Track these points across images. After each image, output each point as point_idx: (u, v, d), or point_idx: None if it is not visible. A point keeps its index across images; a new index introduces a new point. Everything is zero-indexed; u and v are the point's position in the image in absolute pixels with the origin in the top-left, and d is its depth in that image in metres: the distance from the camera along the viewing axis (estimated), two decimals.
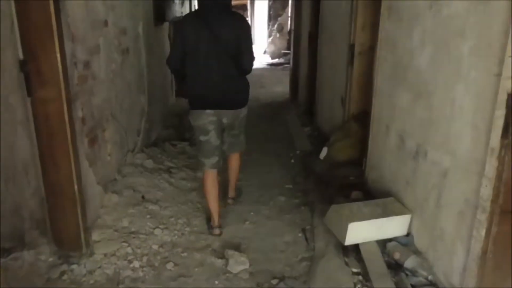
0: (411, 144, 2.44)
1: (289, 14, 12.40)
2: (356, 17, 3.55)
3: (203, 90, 2.60)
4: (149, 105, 4.19)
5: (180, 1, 5.54)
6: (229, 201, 3.21)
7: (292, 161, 4.10)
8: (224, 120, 2.71)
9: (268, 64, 11.55)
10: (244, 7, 19.99)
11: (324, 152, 3.94)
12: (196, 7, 3.29)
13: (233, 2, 3.06)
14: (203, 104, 2.61)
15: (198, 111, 2.64)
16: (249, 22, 9.76)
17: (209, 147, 2.69)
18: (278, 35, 12.22)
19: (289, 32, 12.48)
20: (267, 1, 12.76)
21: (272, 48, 12.24)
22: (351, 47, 3.65)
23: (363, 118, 3.79)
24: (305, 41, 5.92)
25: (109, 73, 3.08)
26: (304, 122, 5.45)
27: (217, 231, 2.76)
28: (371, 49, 3.63)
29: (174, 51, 2.68)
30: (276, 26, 12.28)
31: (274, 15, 12.58)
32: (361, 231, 2.39)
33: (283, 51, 12.18)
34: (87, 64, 2.65)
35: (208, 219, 2.87)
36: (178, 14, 5.52)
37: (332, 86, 4.33)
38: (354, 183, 3.29)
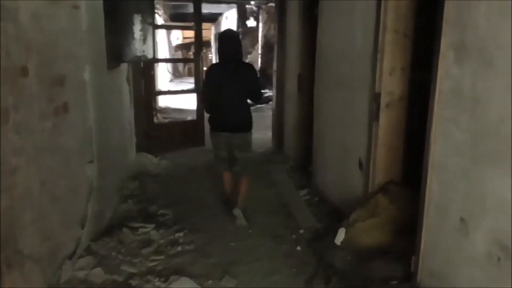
0: None
1: (259, 52, 11.70)
2: (383, 58, 2.66)
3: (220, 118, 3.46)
4: (100, 177, 3.06)
5: (142, 37, 4.53)
6: (235, 212, 3.51)
7: (298, 248, 3.05)
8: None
9: None
10: (207, 43, 19.36)
11: (341, 234, 2.92)
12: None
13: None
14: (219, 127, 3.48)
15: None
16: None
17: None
18: None
19: (261, 71, 11.74)
20: None
21: None
22: (376, 97, 2.73)
23: (395, 190, 2.84)
24: (292, 84, 5.02)
25: (28, 150, 1.97)
26: (297, 182, 4.45)
27: (237, 212, 3.48)
28: (402, 100, 2.73)
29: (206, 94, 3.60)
30: None
31: (243, 53, 11.81)
32: None
33: None
34: None
35: (225, 203, 3.75)
36: (139, 54, 4.49)
37: (343, 144, 3.38)
38: None
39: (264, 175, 4.82)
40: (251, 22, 11.65)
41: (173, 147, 5.62)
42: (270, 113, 9.61)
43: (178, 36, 20.57)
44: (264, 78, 11.69)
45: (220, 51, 3.43)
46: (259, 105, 10.56)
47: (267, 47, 11.45)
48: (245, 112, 3.47)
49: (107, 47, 3.64)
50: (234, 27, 11.94)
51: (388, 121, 2.75)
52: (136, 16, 4.35)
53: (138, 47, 4.49)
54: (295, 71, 4.83)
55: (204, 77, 4.01)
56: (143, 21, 4.51)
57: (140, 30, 4.48)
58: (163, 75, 11.04)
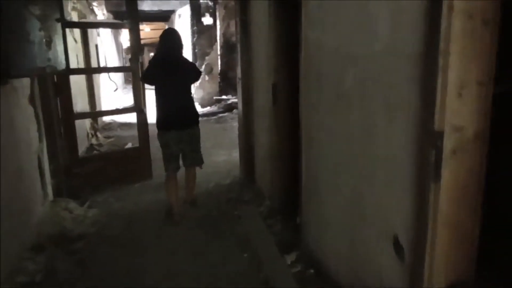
0: None
1: (219, 52, 10.35)
2: (447, 66, 1.41)
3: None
4: None
5: (45, 40, 3.10)
6: (189, 205, 3.76)
7: None
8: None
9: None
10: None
11: None
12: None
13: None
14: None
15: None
16: None
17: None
18: (207, 77, 10.05)
19: (221, 74, 10.40)
20: (190, 39, 10.60)
21: (202, 93, 10.00)
22: (433, 138, 1.49)
23: None
24: (263, 96, 3.73)
25: None
26: (280, 238, 3.16)
27: (177, 217, 3.53)
28: (480, 139, 1.51)
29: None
30: (204, 67, 10.10)
31: (200, 54, 10.42)
32: None
33: (215, 97, 9.99)
34: None
35: (168, 213, 3.60)
36: (41, 63, 3.05)
37: (356, 199, 2.11)
38: None
39: (232, 223, 3.51)
40: (207, 20, 10.27)
41: (108, 185, 4.21)
42: (234, 124, 8.29)
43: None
44: (224, 83, 10.37)
45: (161, 50, 3.48)
46: (221, 114, 9.24)
47: (227, 46, 10.13)
48: (190, 108, 3.58)
49: None
50: (187, 25, 10.53)
51: (455, 180, 1.51)
52: (30, 8, 2.91)
53: (39, 54, 3.06)
54: (267, 78, 3.54)
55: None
56: (43, 17, 3.08)
57: (40, 29, 3.04)
58: (106, 84, 9.45)
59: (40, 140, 3.59)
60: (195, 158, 3.64)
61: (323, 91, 2.42)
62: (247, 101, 4.20)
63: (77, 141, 4.03)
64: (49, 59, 3.17)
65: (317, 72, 2.48)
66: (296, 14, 2.78)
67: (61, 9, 3.45)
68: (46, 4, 3.12)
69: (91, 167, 4.10)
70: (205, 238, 3.26)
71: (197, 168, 3.72)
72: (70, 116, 3.90)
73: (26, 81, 3.38)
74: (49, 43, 3.16)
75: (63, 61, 3.38)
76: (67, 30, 5.24)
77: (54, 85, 3.75)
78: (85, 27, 5.57)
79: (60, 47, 3.34)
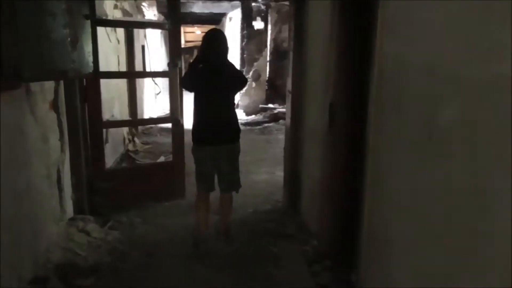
0: None
1: (268, 59, 9.84)
2: None
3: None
4: None
5: (70, 39, 2.67)
6: (222, 237, 3.22)
7: None
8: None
9: (242, 124, 8.74)
10: None
11: None
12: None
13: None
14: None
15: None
16: None
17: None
18: (254, 84, 9.56)
19: (268, 81, 9.88)
20: (239, 43, 10.18)
21: (247, 101, 9.51)
22: None
23: None
24: (317, 115, 3.15)
25: None
26: None
27: (204, 249, 3.07)
28: None
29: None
30: (251, 73, 9.63)
31: (249, 59, 9.96)
32: None
33: (261, 106, 9.47)
34: None
35: (195, 244, 3.13)
36: (64, 66, 2.64)
37: None
38: None
39: (268, 263, 2.93)
40: (258, 24, 9.79)
41: (135, 203, 3.77)
42: (280, 136, 7.70)
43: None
44: (271, 91, 9.83)
45: (204, 53, 3.02)
46: (266, 124, 8.70)
47: (276, 53, 9.61)
48: (232, 121, 3.12)
49: None
50: (237, 29, 10.11)
51: None
52: (52, 1, 2.49)
53: (62, 55, 2.64)
54: (323, 95, 2.95)
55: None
56: (69, 12, 2.66)
57: (65, 26, 2.63)
58: (152, 87, 9.23)
59: (62, 151, 3.21)
60: (232, 181, 3.17)
61: (404, 123, 1.79)
62: (297, 119, 3.62)
63: (104, 152, 3.62)
64: (73, 61, 2.74)
65: (396, 97, 1.86)
66: (368, 20, 2.19)
67: (91, 4, 3.05)
68: None
69: (118, 181, 3.67)
70: (234, 282, 2.71)
71: (233, 192, 3.22)
72: (97, 124, 3.50)
73: (49, 84, 3.01)
74: (74, 42, 2.74)
75: (90, 64, 2.96)
76: (109, 29, 4.94)
77: (82, 89, 3.35)
78: (119, 26, 5.14)
79: (88, 47, 2.93)
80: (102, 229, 3.32)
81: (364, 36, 2.48)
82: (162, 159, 5.43)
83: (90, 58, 2.97)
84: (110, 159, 4.92)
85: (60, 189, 3.15)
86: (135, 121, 6.58)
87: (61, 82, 3.18)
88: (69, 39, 2.69)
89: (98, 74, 3.33)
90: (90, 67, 2.97)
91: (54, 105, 3.08)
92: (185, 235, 3.33)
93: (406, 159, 1.77)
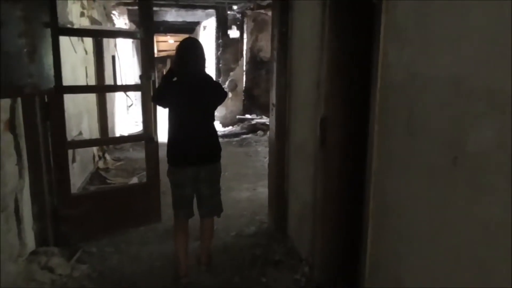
0: None
1: (244, 68, 9.60)
2: None
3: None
4: None
5: (27, 50, 2.32)
6: (203, 267, 2.95)
7: None
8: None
9: (219, 135, 8.41)
10: None
11: None
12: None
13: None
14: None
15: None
16: None
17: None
18: (230, 94, 9.28)
19: (245, 91, 9.62)
20: (214, 52, 9.89)
21: (224, 112, 9.21)
22: None
23: None
24: (305, 131, 2.90)
25: None
26: None
27: (185, 283, 2.78)
28: None
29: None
30: (228, 83, 9.35)
31: (224, 69, 9.68)
32: None
33: (238, 116, 9.20)
34: None
35: (175, 277, 2.83)
36: (20, 81, 2.29)
37: None
38: None
39: None
40: (233, 32, 9.55)
41: (106, 230, 3.41)
42: (259, 149, 7.45)
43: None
44: (249, 101, 9.58)
45: (179, 64, 2.72)
46: (244, 136, 8.42)
47: (253, 62, 9.39)
48: (213, 138, 2.85)
49: None
50: (212, 38, 9.84)
51: None
52: (4, 7, 2.15)
53: (16, 69, 2.29)
54: (313, 109, 2.70)
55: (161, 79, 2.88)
56: (27, 19, 2.32)
57: (20, 35, 2.29)
58: (121, 98, 8.80)
59: (20, 177, 2.83)
60: (213, 206, 2.89)
61: (418, 145, 1.55)
62: (282, 134, 3.36)
63: (69, 175, 3.24)
64: (30, 75, 2.40)
65: (407, 113, 1.62)
66: (366, 24, 1.96)
67: (52, 11, 2.71)
68: (29, 3, 2.37)
69: (86, 207, 3.30)
70: None
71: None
72: (61, 144, 3.13)
73: (4, 102, 2.64)
74: (31, 54, 2.39)
75: (51, 78, 2.62)
76: (75, 39, 4.55)
77: (44, 106, 2.99)
78: (85, 35, 4.70)
79: (48, 60, 2.58)
80: (68, 263, 2.94)
81: (356, 43, 2.26)
82: (135, 180, 5.05)
83: (51, 72, 2.62)
84: (79, 180, 4.53)
85: (19, 221, 2.77)
86: (104, 140, 6.11)
87: (19, 99, 2.81)
88: (25, 50, 2.34)
89: (61, 89, 2.98)
90: (51, 82, 2.62)
91: (11, 125, 2.71)
92: (163, 265, 3.01)
93: (423, 187, 1.53)
